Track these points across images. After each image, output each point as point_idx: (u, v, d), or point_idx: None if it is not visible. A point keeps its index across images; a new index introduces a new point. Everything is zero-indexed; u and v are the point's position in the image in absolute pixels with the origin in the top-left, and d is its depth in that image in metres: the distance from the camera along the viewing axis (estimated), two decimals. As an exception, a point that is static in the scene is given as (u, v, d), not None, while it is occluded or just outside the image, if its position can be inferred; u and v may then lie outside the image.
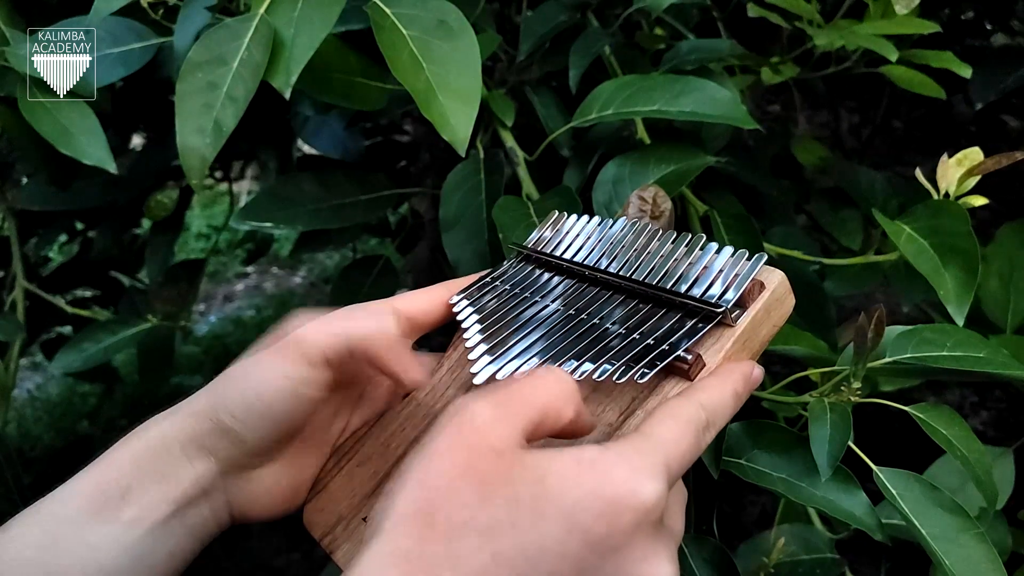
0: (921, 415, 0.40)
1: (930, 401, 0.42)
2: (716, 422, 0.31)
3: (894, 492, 0.39)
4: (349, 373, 0.36)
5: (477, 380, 0.33)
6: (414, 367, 0.35)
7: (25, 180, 0.85)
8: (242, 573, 1.24)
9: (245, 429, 0.33)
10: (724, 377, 0.32)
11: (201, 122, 0.45)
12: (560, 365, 0.32)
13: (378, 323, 0.34)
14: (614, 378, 0.31)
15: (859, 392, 0.41)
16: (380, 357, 0.34)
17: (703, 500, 0.42)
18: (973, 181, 0.48)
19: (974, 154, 0.48)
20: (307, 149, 0.94)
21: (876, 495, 0.40)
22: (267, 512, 0.36)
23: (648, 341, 0.33)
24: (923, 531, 0.38)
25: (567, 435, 0.29)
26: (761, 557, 0.48)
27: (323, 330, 0.34)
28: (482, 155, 0.59)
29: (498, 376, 0.33)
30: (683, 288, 0.34)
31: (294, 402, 0.33)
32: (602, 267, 0.38)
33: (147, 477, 0.32)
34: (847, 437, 0.38)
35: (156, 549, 0.32)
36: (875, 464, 0.40)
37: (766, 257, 0.34)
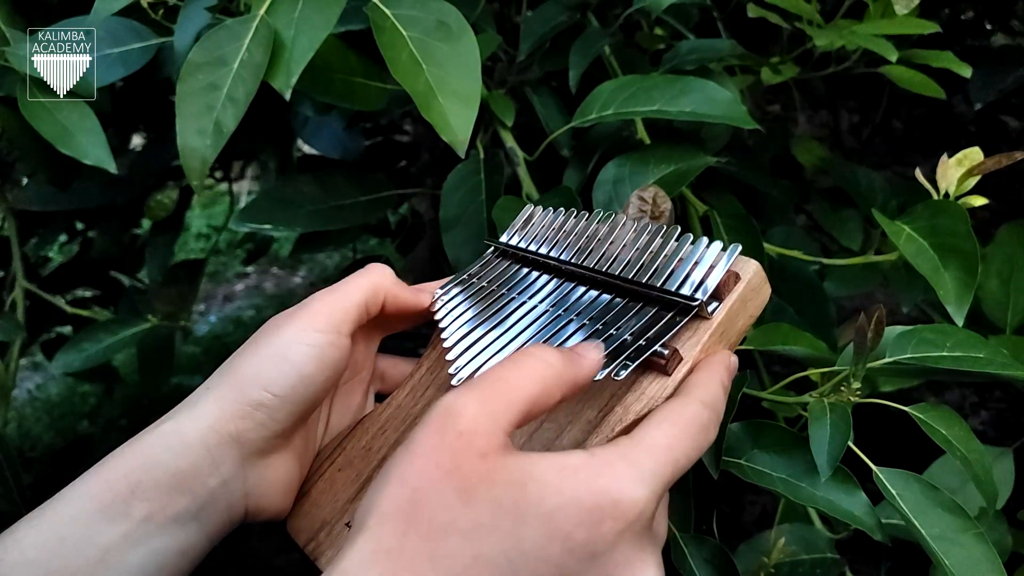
0: (921, 415, 0.40)
1: (930, 401, 0.41)
2: (719, 417, 0.31)
3: (894, 492, 0.39)
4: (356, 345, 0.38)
5: (456, 380, 0.33)
6: (420, 293, 0.39)
7: (25, 180, 0.85)
8: (242, 573, 1.24)
9: (277, 400, 0.33)
10: (712, 371, 0.32)
11: (202, 123, 0.45)
12: None
13: (372, 276, 0.38)
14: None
15: (859, 392, 0.41)
16: (393, 295, 0.38)
17: (703, 500, 0.42)
18: (973, 181, 0.48)
19: (974, 154, 0.48)
20: (307, 149, 0.94)
21: (876, 495, 0.40)
22: (278, 506, 0.36)
23: (625, 337, 0.32)
24: (923, 531, 0.38)
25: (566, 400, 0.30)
26: (761, 557, 0.48)
27: (331, 296, 0.36)
28: (482, 155, 0.59)
29: (476, 376, 0.33)
30: (658, 281, 0.34)
31: (322, 367, 0.34)
32: (577, 262, 0.38)
33: (159, 470, 0.31)
34: (847, 437, 0.38)
35: (168, 547, 0.31)
36: (875, 464, 0.40)
37: (740, 248, 0.34)
